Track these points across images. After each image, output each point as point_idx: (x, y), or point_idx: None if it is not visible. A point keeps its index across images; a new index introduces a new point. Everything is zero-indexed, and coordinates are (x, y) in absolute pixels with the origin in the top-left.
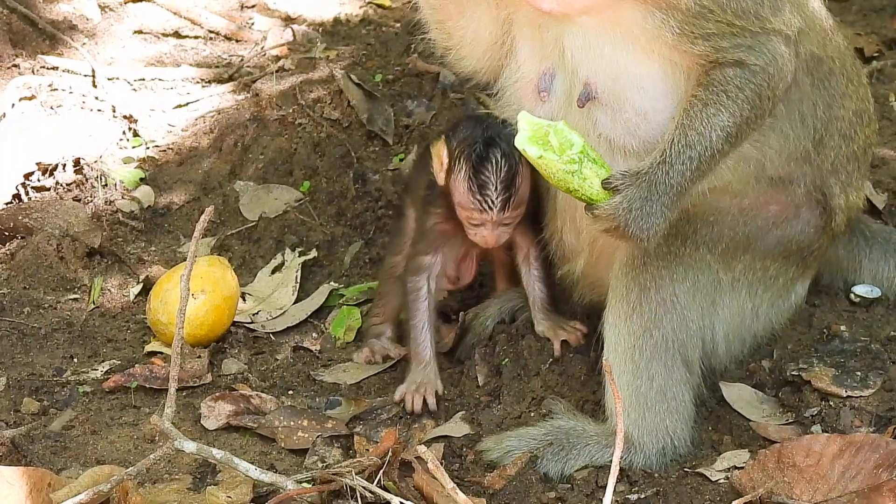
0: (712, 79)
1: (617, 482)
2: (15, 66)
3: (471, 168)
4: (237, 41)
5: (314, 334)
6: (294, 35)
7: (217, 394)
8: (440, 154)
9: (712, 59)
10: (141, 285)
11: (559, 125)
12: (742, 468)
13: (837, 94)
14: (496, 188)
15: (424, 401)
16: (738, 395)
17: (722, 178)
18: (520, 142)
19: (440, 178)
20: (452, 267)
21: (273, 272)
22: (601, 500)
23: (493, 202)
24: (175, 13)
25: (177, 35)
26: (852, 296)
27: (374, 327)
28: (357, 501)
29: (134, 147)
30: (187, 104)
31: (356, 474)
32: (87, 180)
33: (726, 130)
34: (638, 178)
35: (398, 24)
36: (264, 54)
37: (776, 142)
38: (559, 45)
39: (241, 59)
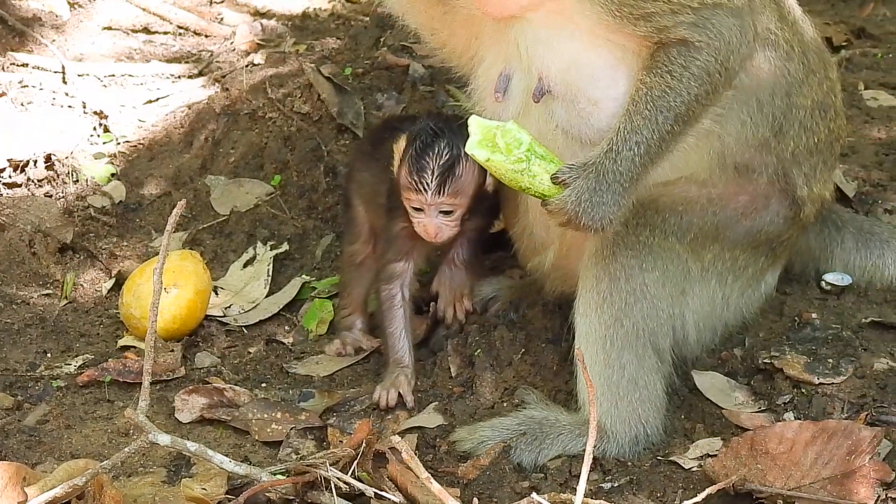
0: (656, 61)
1: (590, 471)
2: None
3: (414, 151)
4: (206, 36)
5: (287, 327)
6: (263, 29)
7: (190, 387)
8: (399, 149)
9: (657, 41)
10: (113, 280)
11: (508, 125)
12: (715, 456)
13: (796, 82)
14: (433, 170)
15: (399, 396)
16: (711, 383)
17: (686, 166)
18: (469, 146)
19: (396, 172)
20: (424, 264)
21: (245, 266)
22: (575, 489)
23: (428, 183)
24: (144, 9)
25: (146, 31)
26: (823, 284)
27: (344, 319)
28: (331, 492)
29: (105, 143)
30: (157, 99)
31: (330, 465)
32: (58, 176)
33: (674, 111)
34: (585, 170)
35: (367, 18)
36: (234, 49)
37: (734, 128)
38: (514, 45)
39: (211, 55)
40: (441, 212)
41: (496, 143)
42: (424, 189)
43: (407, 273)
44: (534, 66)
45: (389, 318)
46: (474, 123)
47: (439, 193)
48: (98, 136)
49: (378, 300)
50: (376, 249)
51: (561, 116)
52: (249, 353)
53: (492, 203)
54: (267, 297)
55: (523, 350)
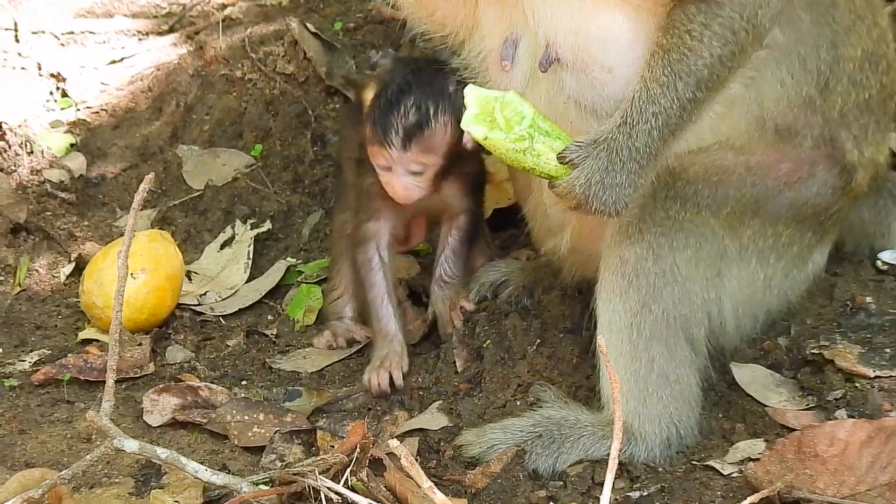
0: (673, 20)
1: (616, 478)
2: None
3: (380, 102)
4: None
5: (270, 317)
6: None
7: (161, 386)
8: (368, 97)
9: None
10: (73, 265)
11: (508, 96)
12: (757, 460)
13: (842, 30)
14: (399, 125)
15: (391, 378)
16: (752, 377)
17: (719, 132)
18: (465, 122)
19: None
20: (399, 228)
21: (222, 247)
22: (598, 499)
23: (392, 140)
24: None
25: None
26: (879, 263)
27: (334, 304)
28: None
29: (63, 109)
30: (122, 60)
31: (320, 474)
32: (10, 147)
33: (695, 76)
34: (596, 147)
35: None
36: (209, 2)
37: (772, 90)
38: (520, 7)
39: (183, 8)
40: (410, 171)
41: (494, 117)
42: (389, 145)
43: (382, 234)
44: (540, 31)
45: (368, 285)
46: (471, 94)
47: (405, 150)
48: (55, 101)
49: (354, 268)
50: None
51: (572, 87)
52: (227, 346)
53: (476, 168)
54: (247, 282)
55: (538, 341)
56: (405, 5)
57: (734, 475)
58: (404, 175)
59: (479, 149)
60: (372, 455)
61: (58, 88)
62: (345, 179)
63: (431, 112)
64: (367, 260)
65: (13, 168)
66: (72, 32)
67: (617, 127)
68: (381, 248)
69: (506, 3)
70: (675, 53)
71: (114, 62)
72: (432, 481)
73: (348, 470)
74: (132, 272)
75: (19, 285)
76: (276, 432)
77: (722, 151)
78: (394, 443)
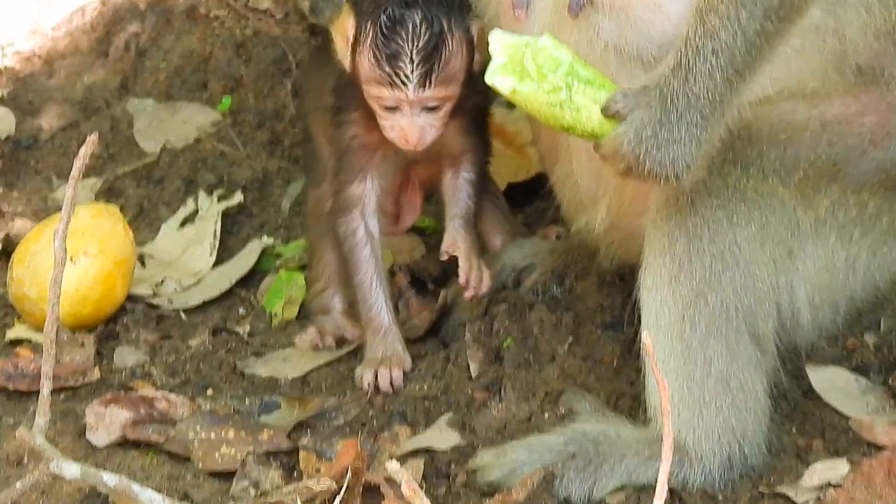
0: None
1: None
2: None
3: (379, 31)
4: None
5: (241, 310)
6: None
7: (108, 396)
8: (345, 29)
9: None
10: None
11: (541, 41)
12: (839, 485)
13: None
14: (412, 49)
15: (390, 378)
16: (832, 382)
17: (789, 74)
18: (489, 73)
19: (346, 62)
20: (389, 200)
21: (182, 225)
22: None
23: (407, 74)
24: None
25: None
26: None
27: (318, 297)
28: None
29: None
30: None
31: None
32: None
33: (762, 3)
34: (647, 95)
35: None
36: None
37: (856, 17)
38: None
39: None
40: (425, 108)
41: (524, 65)
42: (403, 82)
43: (368, 199)
44: None
45: (353, 263)
46: (497, 40)
47: (424, 86)
48: None
49: (335, 243)
50: None
51: (610, 31)
52: (189, 347)
53: (481, 99)
54: (213, 268)
55: (571, 339)
56: None
57: None
58: (419, 114)
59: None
60: (366, 481)
61: None
62: (313, 148)
63: (446, 27)
64: (352, 231)
65: None
66: None
67: (671, 70)
68: (368, 216)
69: None
70: None
71: None
72: None
73: (338, 499)
74: (72, 256)
75: None
76: (249, 453)
77: (791, 102)
78: (393, 466)
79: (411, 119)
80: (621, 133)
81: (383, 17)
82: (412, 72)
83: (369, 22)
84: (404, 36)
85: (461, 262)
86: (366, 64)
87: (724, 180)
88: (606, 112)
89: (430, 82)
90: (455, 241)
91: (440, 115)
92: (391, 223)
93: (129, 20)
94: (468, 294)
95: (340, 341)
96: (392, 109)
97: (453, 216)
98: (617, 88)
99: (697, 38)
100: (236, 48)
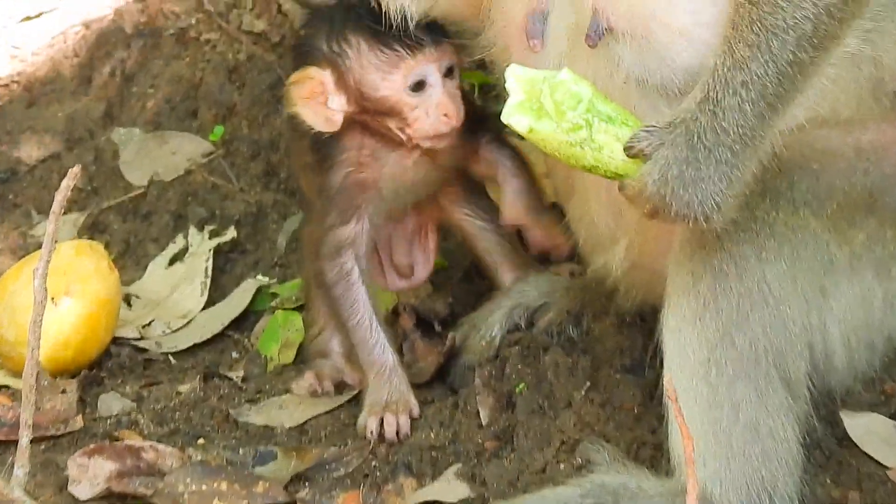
0: None
1: None
2: None
3: (366, 29)
4: None
5: (234, 354)
6: None
7: (91, 446)
8: (315, 86)
9: None
10: None
11: (560, 76)
12: None
13: None
14: (409, 18)
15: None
16: (869, 429)
17: (822, 102)
18: (506, 112)
19: (326, 120)
20: (402, 251)
21: (171, 263)
22: None
23: (417, 34)
24: None
25: None
26: None
27: (315, 341)
28: None
29: None
30: (39, 15)
31: None
32: None
33: (796, 32)
34: (672, 132)
35: None
36: None
37: (893, 43)
38: None
39: None
40: (444, 71)
41: (542, 106)
42: (419, 41)
43: (360, 238)
44: None
45: (347, 308)
46: (514, 76)
47: (437, 45)
48: None
49: (324, 286)
50: None
51: (632, 62)
52: (179, 393)
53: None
54: (204, 309)
55: (588, 384)
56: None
57: None
58: (441, 83)
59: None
60: None
61: None
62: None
63: None
64: (344, 275)
65: None
66: None
67: (697, 104)
68: (360, 256)
69: None
70: (766, 5)
71: (28, 18)
72: None
73: None
74: (53, 296)
75: None
76: None
77: (823, 129)
78: None
79: (442, 88)
80: (646, 173)
81: (353, 15)
82: (419, 26)
83: (344, 43)
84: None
85: (534, 232)
86: (372, 69)
87: (751, 213)
88: (629, 151)
89: (439, 30)
90: (518, 210)
91: (456, 79)
92: (403, 274)
93: (115, 44)
94: (557, 253)
95: (340, 386)
96: (418, 91)
97: (505, 184)
98: (640, 125)
99: (726, 69)
100: (229, 74)
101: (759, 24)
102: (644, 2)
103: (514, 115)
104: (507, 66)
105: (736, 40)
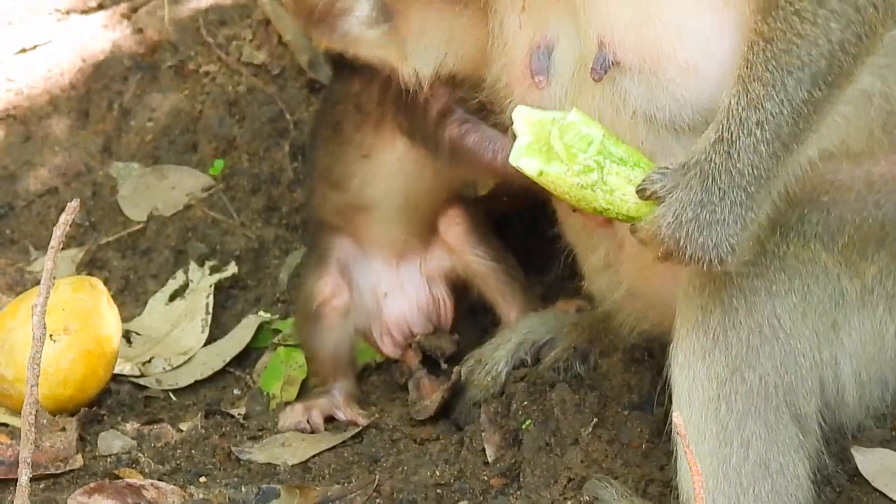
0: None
1: None
2: None
3: None
4: None
5: (236, 391)
6: None
7: (91, 485)
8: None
9: None
10: None
11: (570, 117)
12: None
13: None
14: None
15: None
16: (881, 465)
17: (832, 136)
18: (514, 155)
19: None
20: (423, 298)
21: (172, 299)
22: None
23: None
24: None
25: None
26: None
27: (315, 390)
28: None
29: None
30: (35, 47)
31: None
32: None
33: (810, 70)
34: (686, 174)
35: None
36: None
37: None
38: (558, 5)
39: None
40: None
41: (552, 148)
42: None
43: (338, 296)
44: (591, 27)
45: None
46: (521, 118)
47: None
48: None
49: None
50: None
51: (639, 97)
52: (181, 430)
53: None
54: (206, 345)
55: (595, 420)
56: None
57: None
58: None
59: None
60: None
61: None
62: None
63: None
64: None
65: None
66: None
67: (711, 145)
68: (349, 317)
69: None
70: (781, 42)
71: (24, 50)
72: None
73: None
74: (52, 333)
75: None
76: None
77: (834, 161)
78: None
79: None
80: (659, 216)
81: None
82: None
83: None
84: None
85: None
86: None
87: (762, 247)
88: (643, 194)
89: None
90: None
91: None
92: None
93: (112, 77)
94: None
95: (348, 425)
96: None
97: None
98: (653, 167)
99: (740, 109)
100: (229, 106)
101: (774, 63)
102: (652, 34)
103: (522, 158)
104: (512, 104)
105: (750, 79)
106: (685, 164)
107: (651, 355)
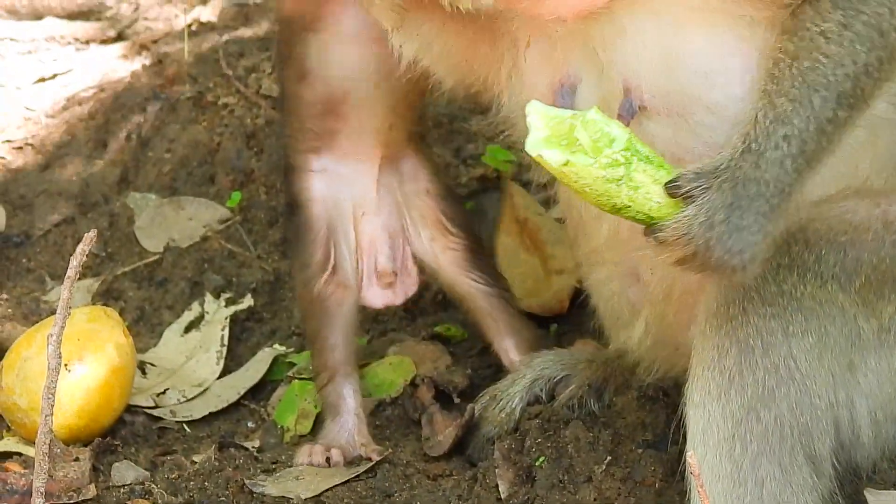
0: (801, 20)
1: None
2: None
3: None
4: None
5: (250, 423)
6: None
7: None
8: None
9: None
10: None
11: (590, 114)
12: None
13: None
14: None
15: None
16: None
17: (848, 171)
18: (533, 145)
19: None
20: (383, 243)
21: (187, 330)
22: None
23: None
24: None
25: None
26: None
27: (324, 391)
28: None
29: None
30: (54, 77)
31: None
32: None
33: (835, 89)
34: (717, 176)
35: None
36: (171, 0)
37: None
38: (580, 46)
39: (136, 8)
40: None
41: (575, 139)
42: None
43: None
44: (616, 72)
45: (305, 250)
46: (536, 112)
47: None
48: None
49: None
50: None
51: (667, 140)
52: (194, 462)
53: None
54: (220, 378)
55: (609, 458)
56: (436, 69)
57: None
58: None
59: None
60: None
61: None
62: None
63: None
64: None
65: None
66: None
67: (740, 154)
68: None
69: (558, 44)
70: (807, 61)
71: (43, 80)
72: None
73: None
74: (66, 363)
75: None
76: None
77: (851, 200)
78: None
79: None
80: (691, 215)
81: None
82: None
83: None
84: None
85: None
86: None
87: (778, 287)
88: (675, 192)
89: None
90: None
91: None
92: (384, 280)
93: (130, 108)
94: None
95: (356, 460)
96: None
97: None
98: (673, 171)
99: (768, 122)
100: (246, 139)
101: (801, 80)
102: (681, 79)
103: (542, 148)
104: (517, 147)
105: (777, 94)
106: (716, 168)
107: (666, 394)
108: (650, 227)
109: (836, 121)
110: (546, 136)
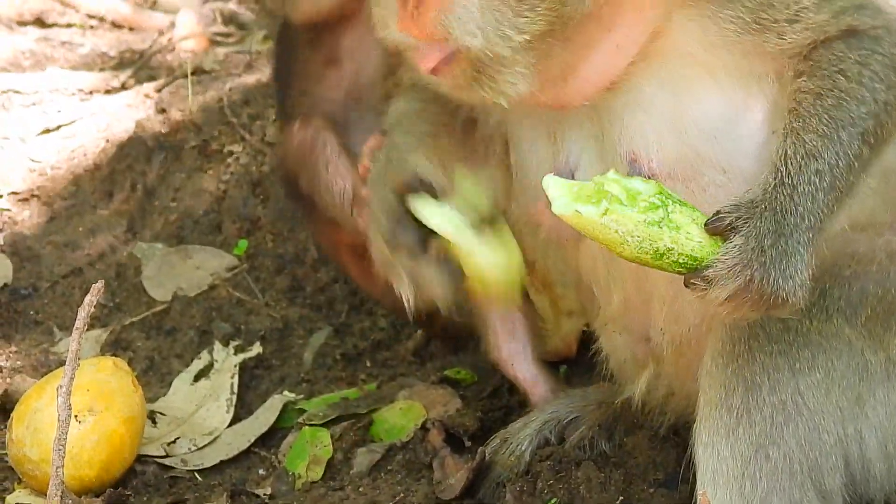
0: (819, 61)
1: None
2: None
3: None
4: (132, 29)
5: (261, 471)
6: (218, 17)
7: None
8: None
9: (810, 42)
10: None
11: (610, 174)
12: None
13: None
14: None
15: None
16: None
17: (861, 207)
18: (564, 206)
19: None
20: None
21: (196, 379)
22: None
23: None
24: None
25: (41, 23)
26: None
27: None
28: None
29: None
30: (59, 128)
31: None
32: None
33: (860, 126)
34: (756, 207)
35: None
36: (174, 48)
37: None
38: (583, 121)
39: (140, 56)
40: None
41: (606, 193)
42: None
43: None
44: (621, 144)
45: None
46: (554, 185)
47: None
48: None
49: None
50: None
51: None
52: None
53: None
54: (230, 426)
55: (621, 498)
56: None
57: None
58: None
59: None
60: None
61: None
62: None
63: None
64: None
65: None
66: None
67: (773, 188)
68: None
69: (558, 122)
70: (830, 98)
71: (47, 131)
72: None
73: None
74: (77, 414)
75: None
76: None
77: (853, 233)
78: None
79: None
80: (741, 244)
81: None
82: None
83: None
84: None
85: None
86: None
87: (784, 324)
88: (717, 226)
89: None
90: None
91: None
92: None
93: (136, 157)
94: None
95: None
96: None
97: None
98: (703, 215)
99: (799, 157)
100: (252, 186)
101: (828, 117)
102: (689, 144)
103: (575, 205)
104: (538, 230)
105: (805, 130)
106: (752, 200)
107: (676, 433)
108: (693, 271)
109: (861, 158)
110: (574, 194)
